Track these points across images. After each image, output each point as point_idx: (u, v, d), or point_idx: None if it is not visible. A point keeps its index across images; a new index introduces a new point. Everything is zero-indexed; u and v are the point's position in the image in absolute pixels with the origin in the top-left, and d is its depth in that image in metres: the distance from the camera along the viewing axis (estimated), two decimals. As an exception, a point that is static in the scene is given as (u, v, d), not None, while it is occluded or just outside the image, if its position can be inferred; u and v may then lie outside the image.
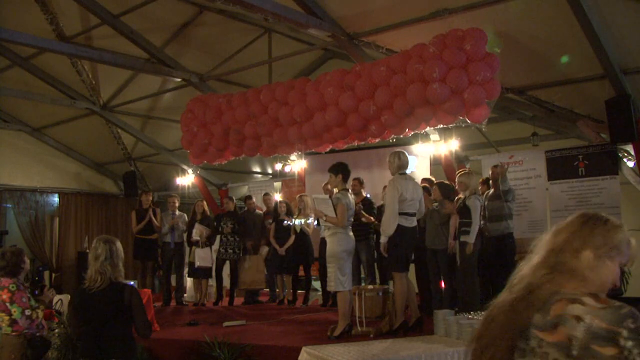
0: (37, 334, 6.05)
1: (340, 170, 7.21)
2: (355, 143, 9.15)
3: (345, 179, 7.25)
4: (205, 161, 10.86)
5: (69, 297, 7.74)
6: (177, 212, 11.56)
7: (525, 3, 7.79)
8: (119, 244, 4.67)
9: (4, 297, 5.83)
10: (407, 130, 8.21)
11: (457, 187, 8.65)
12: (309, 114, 8.74)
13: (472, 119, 7.50)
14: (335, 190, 7.21)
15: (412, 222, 7.11)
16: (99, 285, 4.42)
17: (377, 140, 8.93)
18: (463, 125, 8.36)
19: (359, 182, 9.80)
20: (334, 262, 6.95)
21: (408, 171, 7.46)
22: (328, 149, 9.65)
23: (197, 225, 11.06)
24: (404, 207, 6.97)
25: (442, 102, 7.22)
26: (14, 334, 5.86)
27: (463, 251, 7.90)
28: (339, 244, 6.96)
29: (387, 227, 6.95)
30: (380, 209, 8.53)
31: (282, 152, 10.28)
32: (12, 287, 5.87)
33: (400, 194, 6.92)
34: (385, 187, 7.97)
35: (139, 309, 4.51)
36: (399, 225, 6.93)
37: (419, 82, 7.40)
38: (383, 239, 7.03)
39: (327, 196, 7.17)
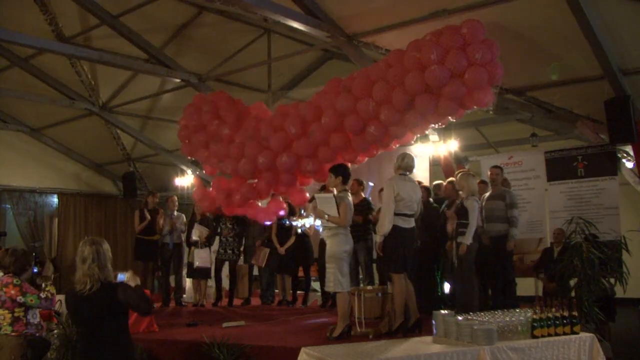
0: (37, 335, 6.07)
1: (341, 172, 7.20)
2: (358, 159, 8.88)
3: (345, 181, 7.23)
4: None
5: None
6: (176, 213, 11.56)
7: (524, 4, 7.78)
8: (106, 245, 4.63)
9: (12, 292, 5.85)
10: (409, 129, 8.07)
11: (456, 188, 8.64)
12: (305, 127, 8.39)
13: (476, 103, 7.36)
14: (335, 190, 7.19)
15: (409, 223, 7.10)
16: (90, 287, 4.39)
17: (379, 151, 8.80)
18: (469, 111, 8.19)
19: (358, 184, 9.78)
20: (334, 262, 6.94)
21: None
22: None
23: (196, 226, 11.06)
24: (401, 208, 6.95)
25: (442, 85, 7.03)
26: (13, 334, 5.88)
27: (459, 253, 7.90)
28: (339, 244, 6.95)
29: (382, 227, 6.94)
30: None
31: (280, 190, 9.60)
32: (17, 281, 5.90)
33: (397, 194, 6.90)
34: (381, 189, 7.97)
35: (133, 296, 4.47)
36: (396, 226, 6.91)
37: (417, 70, 7.23)
38: (378, 239, 7.02)
39: (330, 195, 7.12)
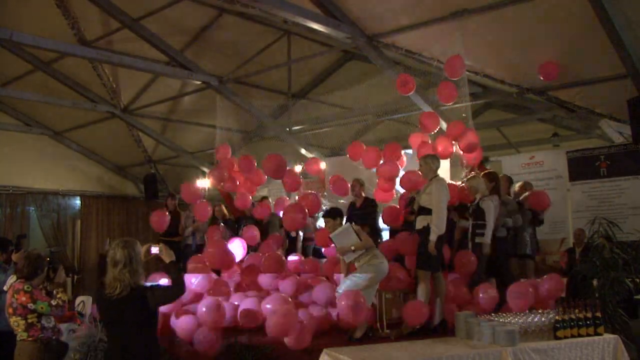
0: (54, 338, 6.06)
1: (337, 213, 7.33)
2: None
3: (341, 219, 7.37)
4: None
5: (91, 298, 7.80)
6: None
7: (545, 3, 7.73)
8: (138, 247, 4.52)
9: (23, 299, 5.83)
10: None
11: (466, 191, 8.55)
12: None
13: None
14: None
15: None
16: (119, 292, 4.31)
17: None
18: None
19: (359, 184, 9.58)
20: (363, 278, 6.79)
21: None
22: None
23: (221, 226, 11.15)
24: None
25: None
26: (30, 339, 5.85)
27: (478, 253, 7.83)
28: (378, 265, 6.85)
29: (441, 225, 6.94)
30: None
31: None
32: (27, 287, 5.88)
33: (446, 194, 7.01)
34: (417, 191, 7.94)
35: (163, 296, 4.46)
36: None
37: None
38: (433, 237, 6.96)
39: (347, 225, 7.10)
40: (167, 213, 11.45)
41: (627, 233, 9.27)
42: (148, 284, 4.62)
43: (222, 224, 11.23)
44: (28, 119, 15.03)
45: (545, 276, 7.65)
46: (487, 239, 7.69)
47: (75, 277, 15.72)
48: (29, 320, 5.86)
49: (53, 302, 5.93)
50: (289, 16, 8.72)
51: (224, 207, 11.75)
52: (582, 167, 10.59)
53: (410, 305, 6.82)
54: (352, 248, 6.87)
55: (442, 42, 8.83)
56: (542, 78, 9.00)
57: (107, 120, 14.54)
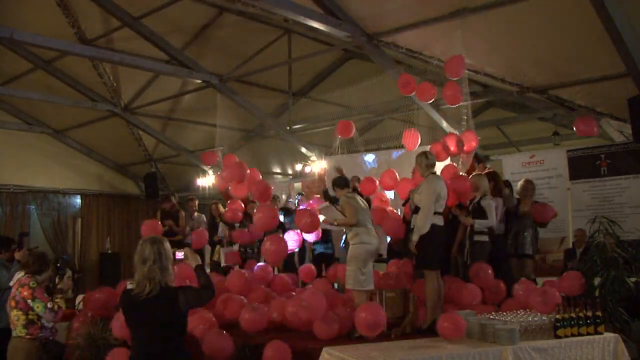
0: (51, 338, 6.07)
1: (345, 184, 7.51)
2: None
3: (348, 186, 7.57)
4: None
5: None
6: (196, 214, 11.66)
7: (546, 1, 7.72)
8: (167, 245, 4.31)
9: (25, 293, 5.87)
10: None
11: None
12: None
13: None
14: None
15: (442, 221, 7.11)
16: (149, 291, 4.10)
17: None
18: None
19: (357, 180, 9.85)
20: (354, 262, 6.98)
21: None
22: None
23: (221, 225, 11.15)
24: (437, 207, 6.97)
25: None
26: (28, 337, 5.86)
27: (476, 251, 7.82)
28: (360, 244, 7.00)
29: (422, 226, 6.92)
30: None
31: None
32: (33, 283, 5.93)
33: (438, 194, 6.94)
34: (411, 190, 7.95)
35: (194, 297, 4.25)
36: (434, 225, 6.92)
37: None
38: (415, 237, 6.98)
39: (326, 203, 7.34)
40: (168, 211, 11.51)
41: (628, 232, 9.27)
42: (177, 258, 4.41)
43: (221, 222, 11.22)
44: (28, 117, 15.03)
45: (564, 274, 7.66)
46: (481, 227, 7.72)
47: (76, 275, 15.72)
48: (30, 317, 5.89)
49: (49, 305, 5.94)
50: (290, 15, 8.72)
51: (220, 206, 11.74)
52: (582, 166, 10.58)
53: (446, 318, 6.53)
54: (335, 222, 7.35)
55: (442, 41, 8.82)
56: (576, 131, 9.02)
57: (108, 118, 14.54)
